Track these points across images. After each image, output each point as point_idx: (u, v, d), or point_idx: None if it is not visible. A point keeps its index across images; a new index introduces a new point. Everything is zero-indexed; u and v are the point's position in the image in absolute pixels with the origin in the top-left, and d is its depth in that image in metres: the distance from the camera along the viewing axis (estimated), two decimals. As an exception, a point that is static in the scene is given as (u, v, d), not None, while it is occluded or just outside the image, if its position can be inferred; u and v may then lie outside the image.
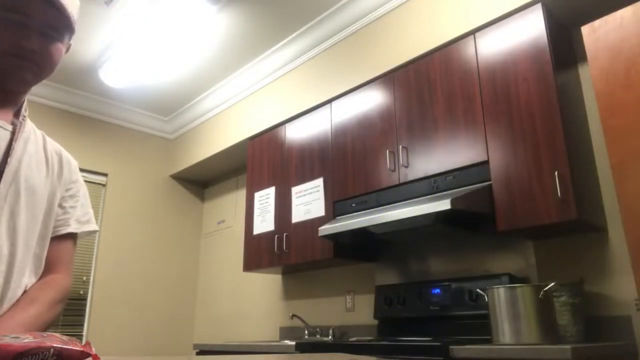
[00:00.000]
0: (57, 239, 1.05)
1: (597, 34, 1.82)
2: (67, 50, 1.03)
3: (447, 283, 2.45)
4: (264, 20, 3.18)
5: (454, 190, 2.23)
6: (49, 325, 0.95)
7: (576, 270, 2.11)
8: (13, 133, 0.96)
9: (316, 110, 3.18)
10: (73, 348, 0.53)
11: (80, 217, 1.10)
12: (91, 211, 1.16)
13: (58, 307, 0.99)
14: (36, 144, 1.03)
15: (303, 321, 3.21)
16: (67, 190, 1.09)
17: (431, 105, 2.46)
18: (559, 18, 2.25)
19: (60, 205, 1.06)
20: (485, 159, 2.18)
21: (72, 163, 1.13)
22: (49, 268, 1.02)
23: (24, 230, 0.95)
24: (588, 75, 2.21)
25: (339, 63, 3.10)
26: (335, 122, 3.00)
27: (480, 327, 2.15)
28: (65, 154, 1.12)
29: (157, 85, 3.95)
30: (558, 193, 1.90)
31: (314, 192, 2.99)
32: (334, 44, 3.18)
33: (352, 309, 3.07)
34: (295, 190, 3.15)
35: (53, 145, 1.09)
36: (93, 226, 1.14)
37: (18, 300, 0.92)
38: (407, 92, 2.60)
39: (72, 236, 1.09)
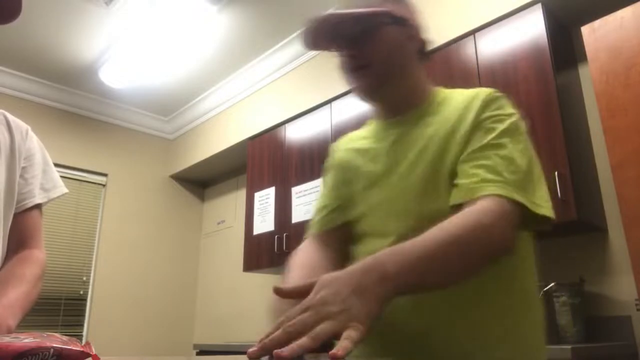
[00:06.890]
0: (26, 211, 1.03)
1: (597, 34, 1.82)
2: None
3: (447, 283, 2.44)
4: (264, 21, 3.18)
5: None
6: (34, 301, 0.98)
7: (576, 270, 2.11)
8: None
9: (316, 111, 3.18)
10: (73, 348, 0.53)
11: (44, 185, 1.08)
12: (55, 175, 1.12)
13: (40, 284, 1.01)
14: None
15: (303, 321, 3.20)
16: (25, 159, 1.05)
17: (431, 105, 2.46)
18: (559, 18, 2.25)
19: (21, 177, 1.03)
20: (485, 159, 2.18)
21: (23, 128, 1.08)
22: (22, 242, 1.02)
23: None
24: (588, 75, 2.21)
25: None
26: (335, 122, 3.00)
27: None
28: (12, 119, 1.07)
29: (157, 85, 3.95)
30: (558, 193, 1.90)
31: (314, 192, 2.99)
32: (334, 44, 3.18)
33: (352, 309, 3.06)
34: (295, 190, 3.14)
35: None
36: (60, 190, 1.11)
37: (6, 277, 0.94)
38: (407, 92, 2.60)
39: (39, 206, 1.07)
